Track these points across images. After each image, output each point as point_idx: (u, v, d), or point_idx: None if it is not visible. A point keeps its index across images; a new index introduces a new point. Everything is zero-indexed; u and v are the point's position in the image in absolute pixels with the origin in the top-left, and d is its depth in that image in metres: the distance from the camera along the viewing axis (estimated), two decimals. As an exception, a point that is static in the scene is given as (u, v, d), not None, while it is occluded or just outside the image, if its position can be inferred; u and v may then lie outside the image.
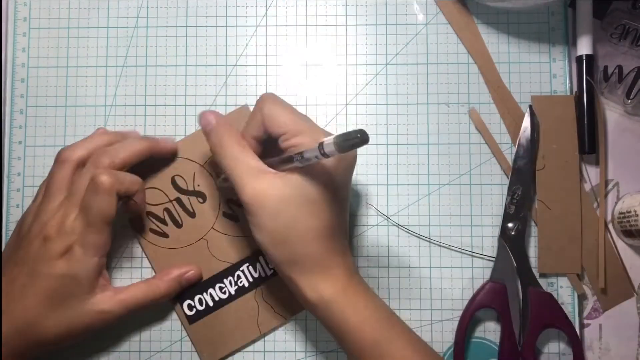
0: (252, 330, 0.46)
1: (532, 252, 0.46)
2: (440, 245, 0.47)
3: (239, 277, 0.46)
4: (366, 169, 0.47)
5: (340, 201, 0.40)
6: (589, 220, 0.46)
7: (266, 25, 0.49)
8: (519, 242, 0.45)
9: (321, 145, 0.33)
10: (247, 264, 0.46)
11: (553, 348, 0.46)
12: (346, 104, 0.48)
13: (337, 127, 0.48)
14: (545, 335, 0.45)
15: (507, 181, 0.46)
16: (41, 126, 0.49)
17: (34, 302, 0.40)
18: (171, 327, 0.46)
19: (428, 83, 0.48)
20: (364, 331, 0.39)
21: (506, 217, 0.46)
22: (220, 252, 0.46)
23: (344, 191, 0.40)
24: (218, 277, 0.46)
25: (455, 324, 0.45)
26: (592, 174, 0.47)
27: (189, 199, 0.47)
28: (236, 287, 0.46)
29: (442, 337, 0.46)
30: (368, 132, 0.32)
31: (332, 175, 0.38)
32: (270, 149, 0.42)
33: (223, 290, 0.46)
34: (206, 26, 0.49)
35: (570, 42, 0.48)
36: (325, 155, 0.33)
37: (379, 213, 0.47)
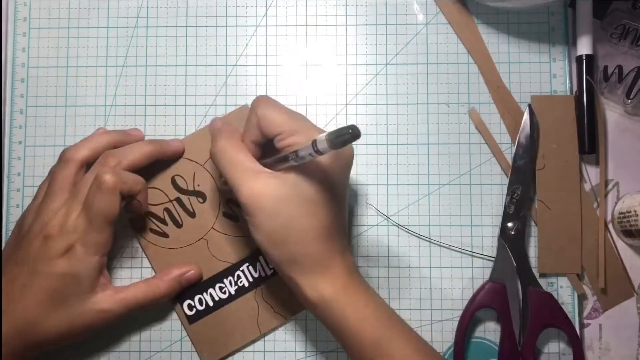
0: (252, 330, 0.46)
1: (532, 252, 0.46)
2: (440, 245, 0.47)
3: (239, 277, 0.46)
4: (366, 169, 0.47)
5: (339, 200, 0.40)
6: (589, 220, 0.46)
7: (266, 25, 0.49)
8: (519, 242, 0.45)
9: (314, 142, 0.33)
10: (247, 264, 0.46)
11: (553, 348, 0.46)
12: (346, 104, 0.48)
13: (337, 127, 0.47)
14: (545, 335, 0.45)
15: (506, 181, 0.47)
16: (41, 126, 0.49)
17: (34, 301, 0.40)
18: (171, 327, 0.46)
19: (428, 83, 0.48)
20: (364, 330, 0.39)
21: (506, 217, 0.46)
22: (220, 252, 0.46)
23: (342, 190, 0.40)
24: (218, 277, 0.46)
25: (455, 324, 0.45)
26: (592, 174, 0.47)
27: (189, 198, 0.47)
28: (236, 287, 0.46)
29: (442, 337, 0.46)
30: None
31: (328, 173, 0.38)
32: (269, 152, 0.42)
33: (223, 290, 0.46)
34: (206, 26, 0.49)
35: (570, 42, 0.48)
36: (319, 152, 0.33)
37: (379, 213, 0.47)
